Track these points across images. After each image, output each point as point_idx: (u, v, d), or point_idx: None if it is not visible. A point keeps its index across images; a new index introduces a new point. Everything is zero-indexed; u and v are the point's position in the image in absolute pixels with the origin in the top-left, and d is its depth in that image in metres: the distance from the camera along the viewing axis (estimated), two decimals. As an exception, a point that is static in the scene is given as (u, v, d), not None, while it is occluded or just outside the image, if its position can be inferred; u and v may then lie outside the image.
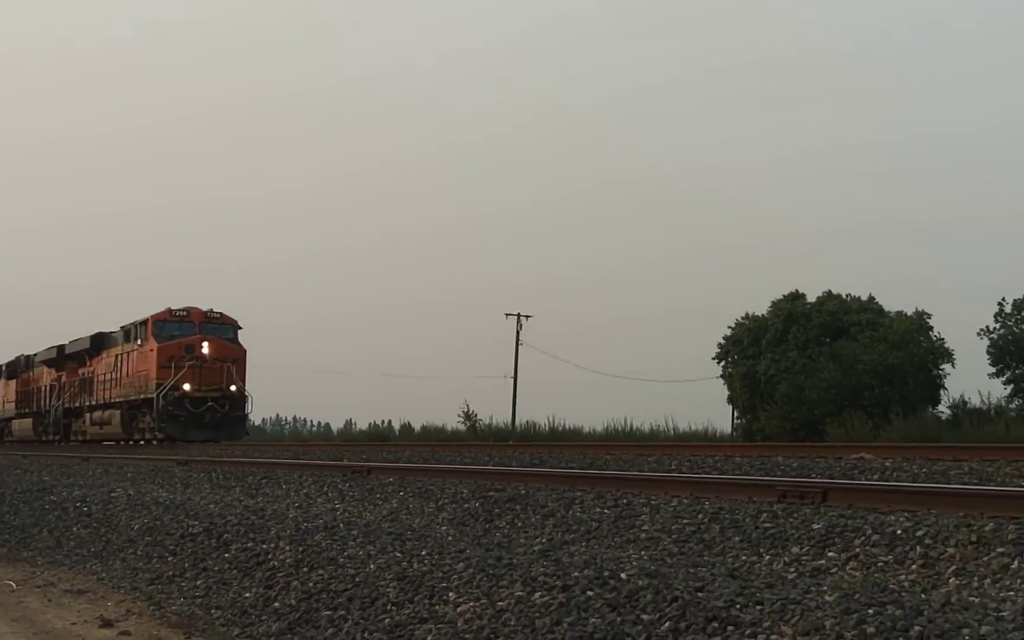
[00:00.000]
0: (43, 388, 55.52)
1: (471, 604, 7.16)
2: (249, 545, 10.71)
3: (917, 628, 5.08)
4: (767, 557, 8.13)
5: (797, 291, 62.14)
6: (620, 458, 19.15)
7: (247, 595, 9.24)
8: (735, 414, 64.99)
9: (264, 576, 9.58)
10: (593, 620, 6.27)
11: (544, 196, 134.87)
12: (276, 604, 8.72)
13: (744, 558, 8.15)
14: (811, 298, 61.56)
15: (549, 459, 19.60)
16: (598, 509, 10.74)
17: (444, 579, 7.77)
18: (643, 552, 8.57)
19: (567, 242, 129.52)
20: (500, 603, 6.99)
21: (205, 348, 42.00)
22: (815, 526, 8.51)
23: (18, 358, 60.28)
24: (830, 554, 7.91)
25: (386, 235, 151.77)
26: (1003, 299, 54.82)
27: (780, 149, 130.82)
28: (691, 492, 10.85)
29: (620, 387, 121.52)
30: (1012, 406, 50.77)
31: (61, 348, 52.69)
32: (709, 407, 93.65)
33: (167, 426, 40.65)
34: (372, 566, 8.68)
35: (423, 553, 8.61)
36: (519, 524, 10.91)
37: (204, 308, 44.23)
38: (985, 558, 7.17)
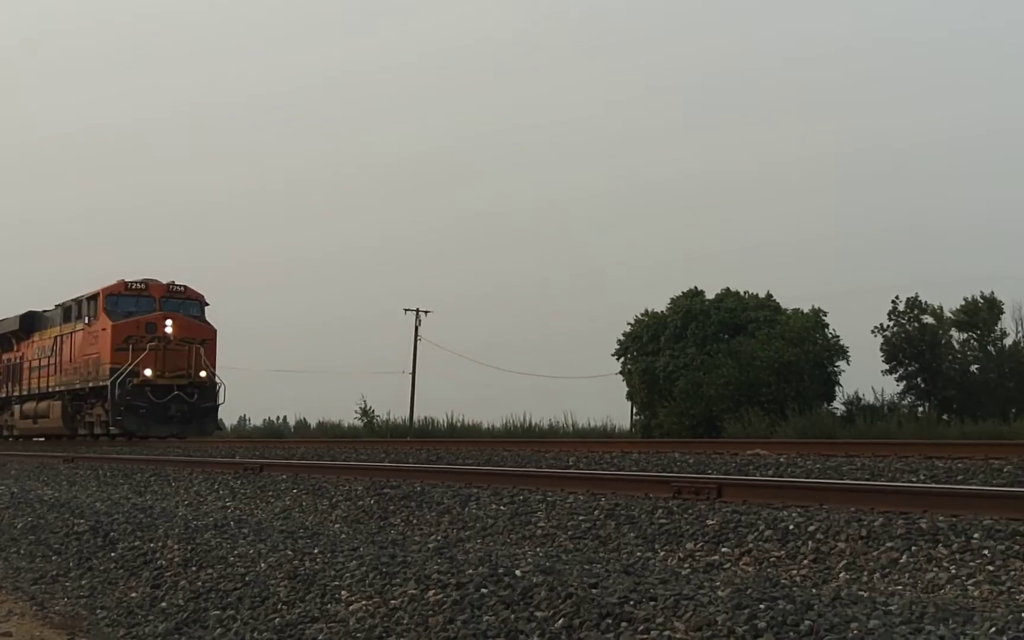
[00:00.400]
0: None
1: (363, 603, 7.12)
2: (136, 544, 10.56)
3: (807, 622, 5.14)
4: (662, 553, 8.18)
5: (696, 288, 62.60)
6: (518, 454, 19.20)
7: (134, 595, 9.10)
8: (634, 411, 65.31)
9: (151, 575, 9.45)
10: (487, 618, 6.27)
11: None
12: (163, 604, 8.60)
13: (639, 554, 8.21)
14: (710, 295, 62.13)
15: (446, 456, 19.61)
16: (494, 506, 10.75)
17: (336, 577, 7.72)
18: (539, 549, 8.60)
19: (469, 238, 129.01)
20: (393, 601, 6.96)
21: (169, 327, 35.58)
22: (709, 522, 8.59)
23: None
24: (724, 550, 7.99)
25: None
26: (896, 297, 55.79)
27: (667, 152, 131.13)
28: (588, 488, 10.90)
29: (520, 383, 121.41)
30: (904, 403, 51.73)
31: None
32: (608, 404, 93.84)
33: (125, 420, 34.67)
34: (263, 565, 8.60)
35: (315, 551, 8.56)
36: (414, 521, 10.89)
37: (164, 280, 37.82)
38: (875, 553, 7.29)
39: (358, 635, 6.70)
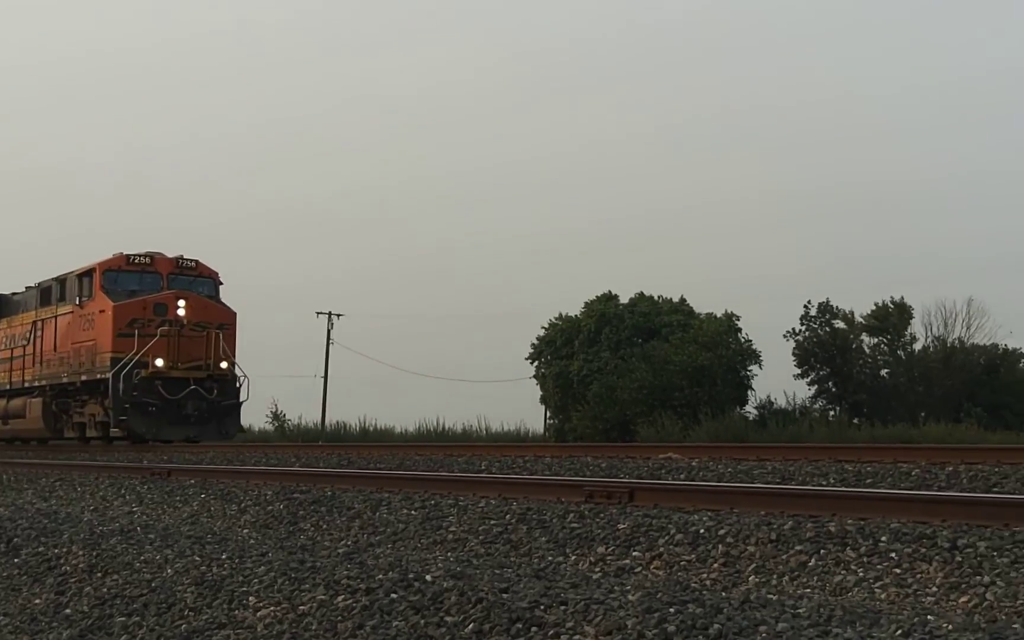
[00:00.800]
0: None
1: (272, 609, 7.07)
2: (40, 549, 10.40)
3: (716, 626, 5.18)
4: (573, 557, 8.20)
5: (610, 292, 63.07)
6: (430, 459, 19.20)
7: (37, 601, 8.96)
8: (547, 414, 65.61)
9: (56, 581, 9.31)
10: (396, 623, 6.25)
11: (355, 188, 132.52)
12: (68, 610, 8.48)
13: (550, 559, 8.22)
14: (624, 299, 62.54)
15: (358, 460, 19.56)
16: (405, 510, 10.72)
17: (244, 583, 7.66)
18: (449, 553, 8.59)
19: (379, 238, 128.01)
20: (302, 607, 6.92)
21: (182, 308, 28.16)
22: (621, 526, 8.63)
23: None
24: (635, 554, 8.03)
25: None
26: (808, 302, 56.48)
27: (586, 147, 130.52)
28: (499, 492, 10.91)
29: (434, 387, 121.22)
30: (815, 407, 52.35)
31: None
32: (522, 408, 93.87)
33: (131, 420, 27.43)
34: (169, 570, 8.52)
35: (223, 557, 8.48)
36: (324, 526, 10.83)
37: (171, 255, 30.38)
38: (784, 556, 7.36)
39: (266, 641, 6.66)
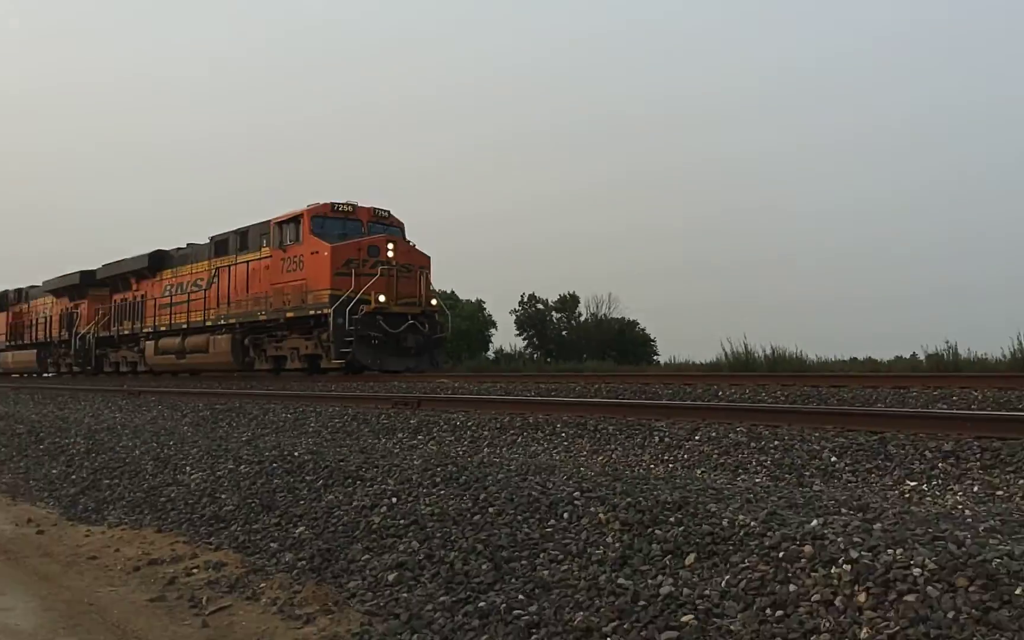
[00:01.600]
0: (48, 318, 31.78)
1: (200, 474, 6.86)
2: (57, 439, 9.82)
3: (464, 476, 5.24)
4: (383, 440, 8.19)
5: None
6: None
7: (54, 471, 8.47)
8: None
9: (66, 459, 8.81)
10: (276, 480, 6.14)
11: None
12: (73, 477, 8.05)
13: (370, 441, 8.19)
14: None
15: (258, 384, 18.91)
16: (283, 414, 10.50)
17: (184, 459, 7.41)
18: (310, 439, 8.45)
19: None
20: (219, 472, 6.73)
21: (391, 251, 20.28)
22: (412, 421, 8.65)
23: (6, 292, 36.04)
24: (419, 437, 8.05)
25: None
26: (523, 294, 57.53)
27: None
28: (342, 404, 10.78)
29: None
30: (527, 352, 53.28)
31: (86, 274, 29.09)
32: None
33: (358, 351, 19.22)
34: (137, 452, 8.16)
35: (171, 443, 8.17)
36: (234, 424, 10.52)
37: (366, 205, 21.54)
38: (504, 437, 7.49)
39: (197, 492, 6.45)
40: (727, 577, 3.36)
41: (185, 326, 24.15)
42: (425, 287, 20.50)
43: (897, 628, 2.80)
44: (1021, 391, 8.80)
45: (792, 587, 3.16)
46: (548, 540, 4.10)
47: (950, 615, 2.77)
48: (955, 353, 19.50)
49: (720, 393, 10.19)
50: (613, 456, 6.38)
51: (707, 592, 3.31)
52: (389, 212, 21.60)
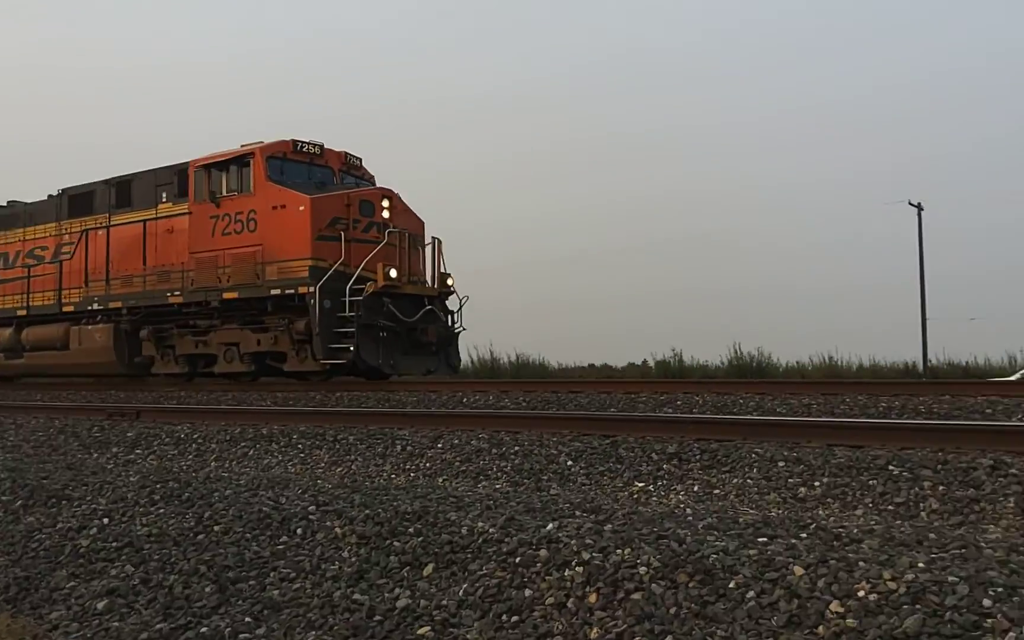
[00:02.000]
0: None
1: None
2: None
3: (187, 493, 4.94)
4: (95, 455, 7.57)
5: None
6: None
7: None
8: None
9: None
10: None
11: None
12: None
13: (79, 456, 7.53)
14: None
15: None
16: None
17: None
18: (8, 455, 7.62)
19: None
20: None
21: (386, 209, 14.20)
22: (129, 434, 8.09)
23: None
24: (137, 451, 7.54)
25: None
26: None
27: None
28: (47, 414, 9.85)
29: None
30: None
31: None
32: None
33: (363, 347, 13.28)
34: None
35: None
36: None
37: (336, 149, 15.21)
38: (234, 449, 7.18)
39: None
40: (465, 586, 3.39)
41: (22, 312, 17.66)
42: (436, 261, 15.03)
43: (624, 626, 2.95)
44: (736, 395, 9.70)
45: (528, 592, 3.24)
46: (280, 558, 3.96)
47: (672, 610, 2.96)
48: (680, 360, 21.36)
49: (464, 400, 10.38)
50: (353, 467, 6.30)
51: (444, 602, 3.33)
52: (361, 160, 15.67)
